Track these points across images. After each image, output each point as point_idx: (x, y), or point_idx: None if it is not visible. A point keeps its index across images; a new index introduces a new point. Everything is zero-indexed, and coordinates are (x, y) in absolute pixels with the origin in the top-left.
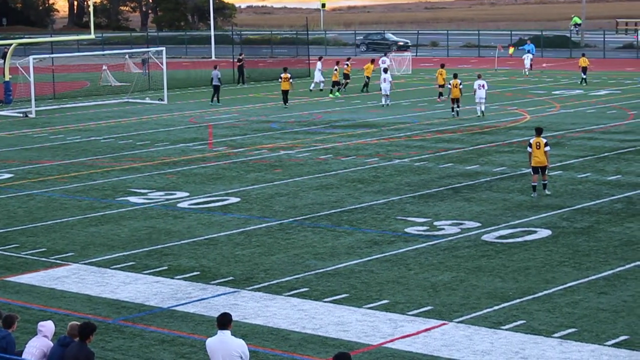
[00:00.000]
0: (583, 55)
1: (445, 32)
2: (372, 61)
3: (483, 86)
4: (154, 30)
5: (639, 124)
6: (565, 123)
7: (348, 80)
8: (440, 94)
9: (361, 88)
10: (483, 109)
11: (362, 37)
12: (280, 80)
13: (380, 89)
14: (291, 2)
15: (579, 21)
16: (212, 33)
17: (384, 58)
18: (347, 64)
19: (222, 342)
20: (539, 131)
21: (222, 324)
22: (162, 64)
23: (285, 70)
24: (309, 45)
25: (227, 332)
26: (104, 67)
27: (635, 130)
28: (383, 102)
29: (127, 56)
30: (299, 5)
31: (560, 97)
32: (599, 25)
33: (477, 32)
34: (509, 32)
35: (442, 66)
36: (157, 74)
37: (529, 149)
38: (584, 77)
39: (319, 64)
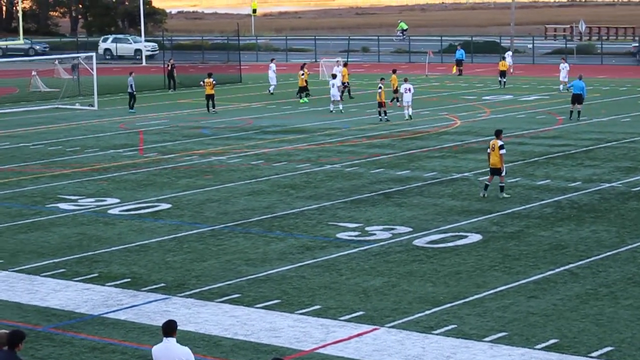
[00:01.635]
0: (503, 59)
1: (376, 37)
2: (345, 65)
3: (409, 90)
4: (84, 35)
5: (568, 128)
6: (495, 128)
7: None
8: (394, 99)
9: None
10: (410, 112)
11: (637, 44)
12: (202, 84)
13: (330, 95)
14: (222, 8)
15: (405, 27)
16: (143, 39)
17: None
18: (303, 72)
19: (167, 350)
20: (497, 133)
21: (167, 331)
22: (92, 69)
23: (209, 75)
24: (240, 50)
25: (172, 340)
26: (34, 73)
27: (564, 135)
28: (331, 108)
29: (56, 62)
30: (230, 10)
31: (490, 102)
32: (528, 31)
33: (407, 37)
34: (440, 38)
35: (394, 72)
36: (87, 79)
37: (488, 150)
38: (503, 80)
39: (272, 66)
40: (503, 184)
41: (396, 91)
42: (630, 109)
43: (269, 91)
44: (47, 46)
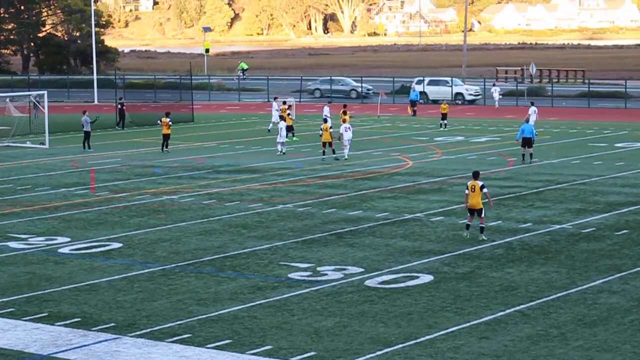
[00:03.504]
0: (443, 101)
1: (329, 78)
2: (345, 106)
3: (349, 128)
4: (36, 73)
5: (518, 170)
6: (447, 169)
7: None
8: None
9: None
10: (346, 151)
11: None
12: (159, 123)
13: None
14: (175, 47)
15: (245, 66)
16: (95, 77)
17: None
18: (290, 112)
19: None
20: (475, 175)
21: None
22: (43, 107)
23: (167, 115)
24: (192, 90)
25: None
26: None
27: (515, 177)
28: (283, 150)
29: (7, 100)
30: (183, 50)
31: (442, 143)
32: (479, 72)
33: (360, 78)
34: (392, 79)
35: (345, 106)
36: (39, 117)
37: (466, 191)
38: (444, 122)
39: (275, 104)
40: (483, 225)
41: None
42: (580, 151)
43: (269, 129)
44: (371, 89)
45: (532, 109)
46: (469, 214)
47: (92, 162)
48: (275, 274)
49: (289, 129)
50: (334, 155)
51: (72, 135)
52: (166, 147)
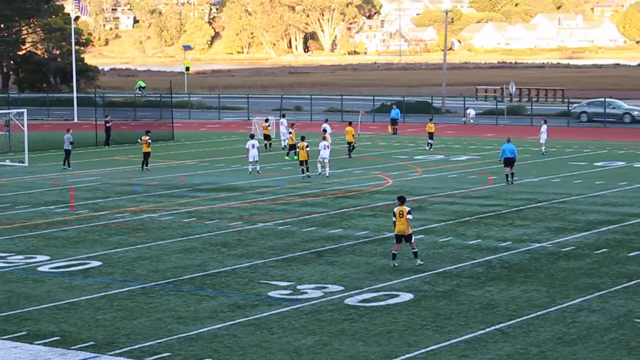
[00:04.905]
0: (430, 120)
1: (309, 96)
2: (350, 124)
3: (328, 147)
4: (16, 91)
5: (499, 188)
6: (427, 187)
7: (270, 141)
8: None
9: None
10: (327, 170)
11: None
12: (139, 142)
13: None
14: (155, 65)
15: (143, 84)
16: (75, 95)
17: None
18: (269, 125)
19: None
20: (401, 200)
21: None
22: (23, 125)
23: (147, 133)
24: (172, 108)
25: None
26: None
27: (495, 195)
28: (250, 169)
29: None
30: (163, 68)
31: (422, 161)
32: (459, 91)
33: (340, 96)
34: (372, 97)
35: (350, 124)
36: (18, 135)
37: (393, 218)
38: (431, 141)
39: (284, 121)
40: (416, 250)
41: (350, 142)
42: (560, 169)
43: (283, 146)
44: None
45: (544, 127)
46: (395, 242)
47: (72, 180)
48: (255, 292)
49: (291, 147)
50: (307, 174)
51: (52, 154)
52: (146, 166)
